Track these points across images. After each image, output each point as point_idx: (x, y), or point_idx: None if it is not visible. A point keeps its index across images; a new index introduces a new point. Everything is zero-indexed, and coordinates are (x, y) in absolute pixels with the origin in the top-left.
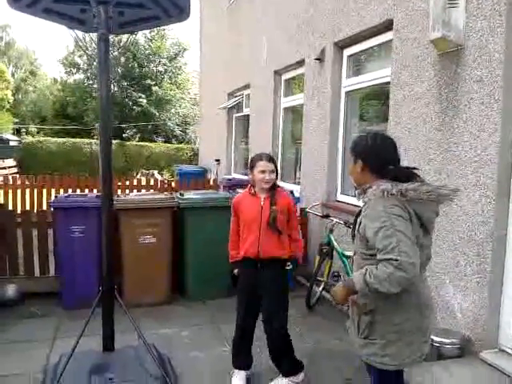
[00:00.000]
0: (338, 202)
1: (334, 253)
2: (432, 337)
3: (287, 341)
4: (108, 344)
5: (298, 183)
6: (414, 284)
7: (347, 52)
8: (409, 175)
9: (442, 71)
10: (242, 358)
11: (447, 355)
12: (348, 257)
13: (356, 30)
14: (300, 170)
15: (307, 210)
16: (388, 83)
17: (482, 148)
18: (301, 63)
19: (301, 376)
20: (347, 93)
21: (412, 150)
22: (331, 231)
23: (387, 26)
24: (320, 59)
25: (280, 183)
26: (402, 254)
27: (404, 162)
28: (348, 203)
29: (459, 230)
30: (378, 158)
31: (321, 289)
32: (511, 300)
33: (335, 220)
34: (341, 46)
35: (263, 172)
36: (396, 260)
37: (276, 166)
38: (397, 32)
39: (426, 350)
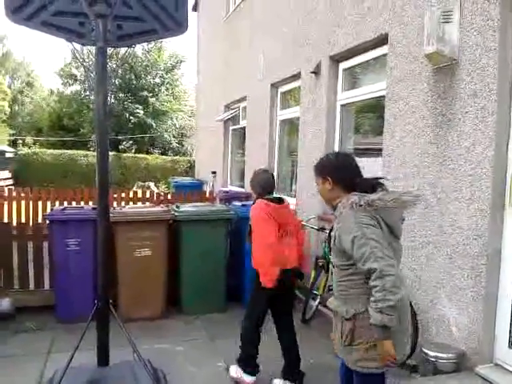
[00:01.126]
0: (334, 215)
1: (330, 266)
2: (427, 351)
3: (244, 332)
4: (103, 359)
5: (294, 196)
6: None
7: (343, 65)
8: (374, 185)
9: (437, 85)
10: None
11: (443, 370)
12: None
13: (351, 44)
14: (296, 182)
15: (303, 223)
16: (383, 97)
17: (476, 162)
18: (297, 76)
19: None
20: (343, 106)
21: (407, 163)
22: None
23: (382, 40)
24: (316, 72)
25: (275, 195)
26: (379, 259)
27: (399, 176)
28: None
29: (454, 243)
30: (345, 173)
31: (317, 303)
32: (506, 314)
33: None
34: (336, 59)
35: None
36: (376, 269)
37: None
38: (392, 46)
39: (407, 350)
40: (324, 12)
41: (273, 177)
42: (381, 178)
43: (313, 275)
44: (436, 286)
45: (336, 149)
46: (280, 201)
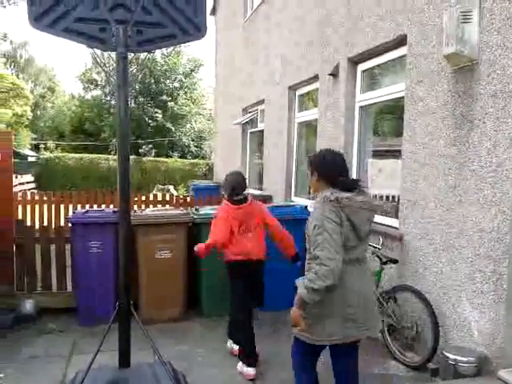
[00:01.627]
0: None
1: None
2: (448, 355)
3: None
4: (124, 360)
5: (313, 198)
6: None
7: (361, 67)
8: (352, 185)
9: (457, 86)
10: None
11: (464, 374)
12: None
13: (370, 45)
14: None
15: None
16: (402, 98)
17: (497, 163)
18: (315, 78)
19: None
20: (361, 107)
21: (427, 165)
22: None
23: (401, 41)
24: (334, 74)
25: (294, 198)
26: (324, 249)
27: (419, 178)
28: None
29: (475, 246)
30: (329, 170)
31: None
32: None
33: None
34: (355, 61)
35: None
36: (319, 256)
37: None
38: (410, 47)
39: (351, 333)
40: (342, 14)
41: (243, 178)
42: (360, 181)
43: None
44: (457, 290)
45: (355, 151)
46: (245, 201)
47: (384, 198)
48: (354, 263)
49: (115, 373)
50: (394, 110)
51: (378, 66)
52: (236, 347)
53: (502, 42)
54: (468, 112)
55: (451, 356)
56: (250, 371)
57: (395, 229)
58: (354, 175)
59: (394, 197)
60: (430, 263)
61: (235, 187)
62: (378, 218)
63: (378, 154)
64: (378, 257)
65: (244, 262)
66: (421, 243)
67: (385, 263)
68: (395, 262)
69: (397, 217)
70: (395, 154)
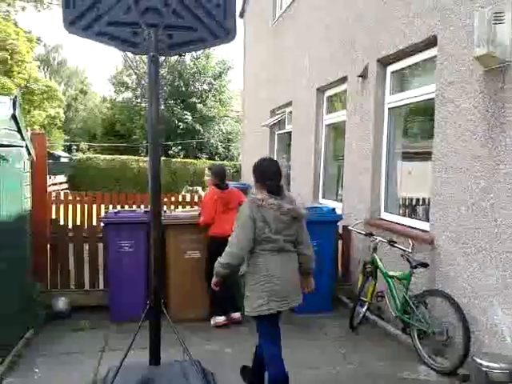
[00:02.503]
0: (382, 220)
1: (378, 272)
2: (480, 361)
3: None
4: (154, 358)
5: (340, 200)
6: (262, 262)
7: (391, 68)
8: (277, 189)
9: (488, 87)
10: None
11: (496, 380)
12: (392, 277)
13: (400, 46)
14: (342, 187)
15: (350, 227)
16: (432, 99)
17: None
18: (343, 80)
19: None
20: (391, 109)
21: (458, 167)
22: (375, 250)
23: (431, 42)
24: (363, 76)
25: (322, 200)
26: (233, 236)
27: (451, 180)
28: (392, 221)
29: (508, 250)
30: (262, 175)
31: (364, 309)
32: None
33: (379, 238)
34: (384, 62)
35: None
36: (230, 241)
37: None
38: (441, 48)
39: (276, 306)
40: (371, 15)
41: (224, 169)
42: (283, 187)
43: (360, 281)
44: (489, 294)
45: (384, 153)
46: (226, 187)
47: (414, 200)
48: (275, 252)
49: (146, 370)
50: (424, 112)
51: (407, 67)
52: (220, 318)
53: None
54: (500, 114)
55: (483, 362)
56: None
57: (426, 232)
58: (383, 177)
59: (424, 199)
60: (461, 267)
61: (220, 175)
62: (408, 221)
63: (407, 157)
64: (407, 260)
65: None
66: (452, 247)
67: (415, 267)
68: (425, 265)
69: (427, 220)
70: (425, 156)
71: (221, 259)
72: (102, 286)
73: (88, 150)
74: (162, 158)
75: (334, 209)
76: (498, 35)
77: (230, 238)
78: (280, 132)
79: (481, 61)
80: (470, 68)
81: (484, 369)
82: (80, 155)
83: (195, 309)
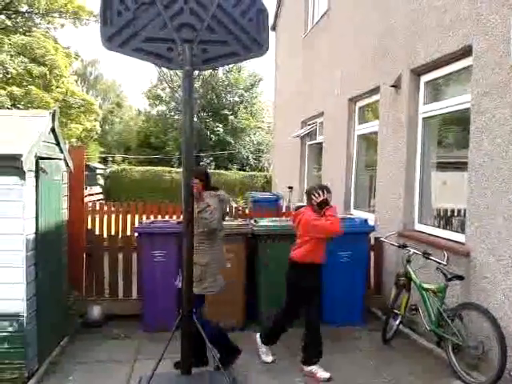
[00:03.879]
0: (416, 231)
1: (412, 285)
2: None
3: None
4: (186, 367)
5: (373, 211)
6: (213, 249)
7: (424, 78)
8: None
9: None
10: None
11: None
12: (427, 289)
13: (434, 56)
14: (374, 197)
15: (382, 239)
16: (468, 109)
17: None
18: (376, 90)
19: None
20: (424, 119)
21: (494, 178)
22: (408, 262)
23: (466, 51)
24: (396, 86)
25: (353, 211)
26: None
27: (487, 192)
28: (426, 233)
29: None
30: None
31: (397, 322)
32: None
33: (413, 250)
34: (418, 72)
35: None
36: None
37: None
38: (476, 58)
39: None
40: (404, 24)
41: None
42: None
43: (393, 293)
44: None
45: (418, 163)
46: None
47: (449, 211)
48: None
49: (177, 379)
50: (459, 122)
51: (442, 76)
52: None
53: None
54: None
55: None
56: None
57: (461, 244)
58: (417, 188)
59: (459, 211)
60: (498, 280)
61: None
62: (442, 233)
63: (442, 167)
64: (442, 273)
65: None
66: (489, 259)
67: (450, 279)
68: (461, 278)
69: (463, 231)
70: (460, 166)
71: None
72: (135, 295)
73: (123, 161)
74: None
75: (366, 220)
76: None
77: None
78: (311, 143)
79: None
80: (506, 77)
81: None
82: (115, 167)
83: (226, 319)
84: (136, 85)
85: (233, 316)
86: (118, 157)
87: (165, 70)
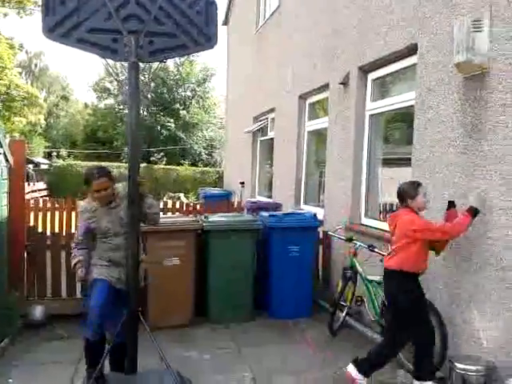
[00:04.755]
0: (362, 225)
1: (358, 277)
2: (456, 363)
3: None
4: (131, 367)
5: (322, 206)
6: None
7: (371, 76)
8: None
9: (467, 95)
10: None
11: (472, 383)
12: (371, 281)
13: (380, 54)
14: (324, 193)
15: (330, 233)
16: (413, 106)
17: (507, 172)
18: (325, 87)
19: None
20: (371, 116)
21: (436, 173)
22: (355, 255)
23: (412, 50)
24: (344, 83)
25: (303, 206)
26: None
27: (429, 186)
28: (372, 227)
29: (485, 254)
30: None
31: (344, 314)
32: None
33: (359, 243)
34: (365, 70)
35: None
36: None
37: None
38: (421, 56)
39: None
40: (353, 23)
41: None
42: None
43: (340, 286)
44: (466, 299)
45: (365, 159)
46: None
47: (394, 206)
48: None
49: (122, 379)
50: (404, 119)
51: (388, 74)
52: None
53: None
54: (478, 121)
55: (459, 365)
56: None
57: None
58: (363, 183)
59: None
60: (438, 272)
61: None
62: (387, 226)
63: (388, 163)
64: None
65: None
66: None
67: None
68: None
69: None
70: (406, 162)
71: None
72: (79, 295)
73: (69, 156)
74: (144, 165)
75: (315, 214)
76: (476, 43)
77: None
78: (263, 138)
79: (460, 68)
80: (449, 75)
81: (461, 372)
82: (60, 162)
83: (176, 316)
84: (83, 77)
85: (181, 313)
86: (64, 151)
87: (111, 62)
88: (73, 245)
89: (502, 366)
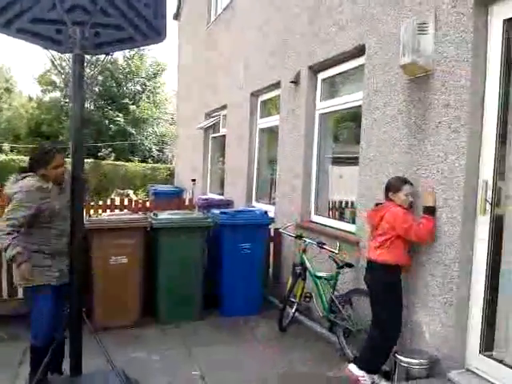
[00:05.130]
0: (312, 222)
1: (307, 273)
2: (400, 357)
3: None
4: (76, 368)
5: (274, 204)
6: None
7: (321, 76)
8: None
9: (412, 96)
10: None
11: (416, 376)
12: (320, 277)
13: (330, 54)
14: (275, 190)
15: (280, 230)
16: (360, 107)
17: (449, 171)
18: (277, 85)
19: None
20: (321, 115)
21: (382, 171)
22: (304, 252)
23: (360, 51)
24: (295, 82)
25: (255, 203)
26: None
27: (374, 184)
28: (322, 224)
29: (427, 251)
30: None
31: (293, 310)
32: (477, 320)
33: (308, 240)
34: (315, 69)
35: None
36: None
37: None
38: (369, 57)
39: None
40: (303, 23)
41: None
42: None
43: (290, 283)
44: (410, 293)
45: (315, 157)
46: None
47: (343, 203)
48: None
49: (66, 381)
50: (353, 118)
51: (337, 74)
52: None
53: (456, 54)
54: (422, 121)
55: (404, 359)
56: None
57: (352, 234)
58: (313, 181)
59: (352, 203)
60: None
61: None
62: (336, 224)
63: (338, 161)
64: (334, 261)
65: None
66: None
67: (341, 267)
68: (351, 266)
69: (354, 222)
70: (354, 161)
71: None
72: (20, 295)
73: (11, 151)
74: (91, 160)
75: (266, 212)
76: (422, 45)
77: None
78: (215, 135)
79: (406, 70)
80: (395, 77)
81: (404, 365)
82: (3, 156)
83: (123, 316)
84: (28, 69)
85: (129, 312)
86: (7, 146)
87: (57, 53)
88: (6, 230)
89: (444, 359)
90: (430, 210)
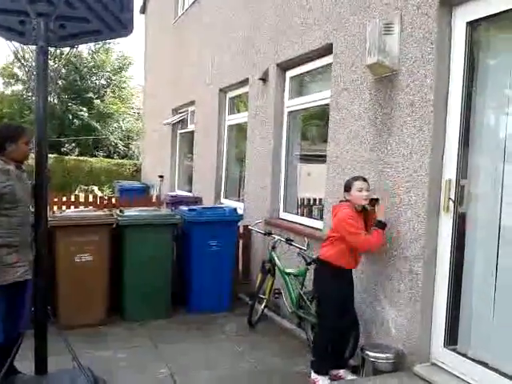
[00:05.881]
0: (281, 219)
1: (276, 270)
2: (367, 352)
3: None
4: (41, 367)
5: (242, 200)
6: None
7: (290, 73)
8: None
9: (378, 95)
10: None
11: (382, 370)
12: (289, 273)
13: (298, 52)
14: (244, 187)
15: (250, 227)
16: (328, 105)
17: (413, 169)
18: (245, 82)
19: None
20: (290, 113)
21: (349, 169)
22: (273, 248)
23: (327, 49)
24: (264, 79)
25: (224, 200)
26: None
27: (341, 182)
28: (291, 221)
29: (393, 247)
30: None
31: (263, 306)
32: (441, 314)
33: (277, 237)
34: (283, 67)
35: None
36: None
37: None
38: (336, 56)
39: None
40: (272, 20)
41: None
42: None
43: (259, 279)
44: (376, 288)
45: (283, 155)
46: None
47: (311, 200)
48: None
49: (31, 380)
50: (321, 117)
51: (306, 73)
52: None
53: (421, 54)
54: (387, 120)
55: (370, 353)
56: None
57: (320, 231)
58: (282, 178)
59: (320, 200)
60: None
61: None
62: (304, 221)
63: (306, 159)
64: (303, 258)
65: None
66: None
67: (309, 263)
68: None
69: (322, 219)
70: (323, 158)
71: None
72: None
73: None
74: (54, 156)
75: (235, 209)
76: (387, 45)
77: None
78: (183, 131)
79: (372, 69)
80: (361, 76)
81: (371, 359)
82: None
83: (88, 314)
84: None
85: (95, 311)
86: None
87: (21, 46)
88: None
89: (409, 353)
90: (382, 225)
